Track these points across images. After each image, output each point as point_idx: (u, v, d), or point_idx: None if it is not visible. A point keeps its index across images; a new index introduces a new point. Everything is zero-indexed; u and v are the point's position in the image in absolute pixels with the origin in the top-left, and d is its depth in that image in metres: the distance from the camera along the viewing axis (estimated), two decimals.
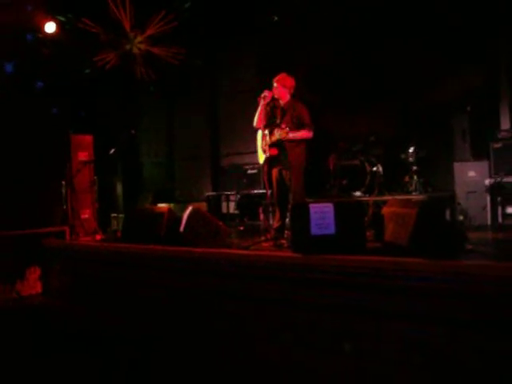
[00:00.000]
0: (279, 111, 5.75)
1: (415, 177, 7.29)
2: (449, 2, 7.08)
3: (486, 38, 7.22)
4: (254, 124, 5.89)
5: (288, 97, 5.75)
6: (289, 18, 8.33)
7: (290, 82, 5.76)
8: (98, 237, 7.09)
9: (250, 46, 9.54)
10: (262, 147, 5.82)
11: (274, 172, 5.74)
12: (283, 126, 5.43)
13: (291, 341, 3.82)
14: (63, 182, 7.39)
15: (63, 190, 7.37)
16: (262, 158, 5.86)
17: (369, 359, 3.48)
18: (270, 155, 5.63)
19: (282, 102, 5.77)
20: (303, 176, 5.68)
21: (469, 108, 7.16)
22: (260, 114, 5.82)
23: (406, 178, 7.46)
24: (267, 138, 5.65)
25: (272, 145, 5.61)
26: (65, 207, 7.35)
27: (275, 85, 5.73)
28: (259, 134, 5.91)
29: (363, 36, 7.91)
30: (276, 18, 7.87)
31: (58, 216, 7.43)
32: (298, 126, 5.51)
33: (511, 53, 7.14)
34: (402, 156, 7.61)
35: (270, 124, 5.71)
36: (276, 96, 5.75)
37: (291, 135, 5.40)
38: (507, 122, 7.16)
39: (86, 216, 7.53)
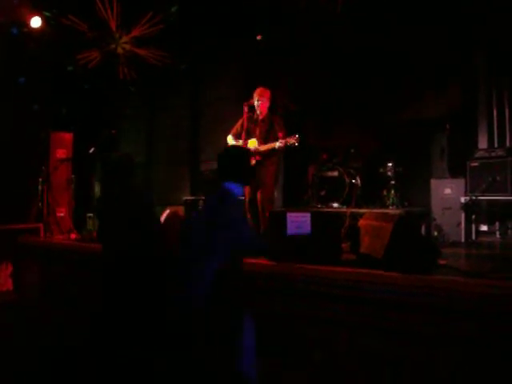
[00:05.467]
0: (260, 123, 5.80)
1: (392, 191, 7.37)
2: (428, 20, 7.17)
3: (464, 58, 7.34)
4: (235, 131, 5.93)
5: (266, 110, 5.82)
6: (275, 33, 8.36)
7: (270, 95, 5.84)
8: (73, 236, 7.01)
9: (236, 55, 9.54)
10: None
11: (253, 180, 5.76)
12: (280, 135, 5.51)
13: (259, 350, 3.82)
14: (40, 179, 7.30)
15: (40, 187, 7.27)
16: None
17: (339, 371, 3.50)
18: (256, 162, 5.67)
19: (260, 115, 5.81)
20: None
21: (448, 126, 7.27)
22: (240, 122, 5.89)
23: (384, 192, 7.53)
24: (255, 146, 5.69)
25: (258, 153, 5.65)
26: (40, 204, 7.25)
27: (258, 98, 5.76)
28: (232, 142, 5.94)
29: (346, 51, 7.98)
30: (260, 38, 7.87)
31: (33, 213, 7.34)
32: (275, 139, 5.57)
33: (489, 73, 7.27)
34: (381, 170, 7.69)
35: (251, 134, 5.77)
36: (257, 108, 5.79)
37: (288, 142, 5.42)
38: (485, 141, 7.27)
39: (62, 214, 7.44)
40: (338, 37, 7.87)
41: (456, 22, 7.07)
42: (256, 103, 5.77)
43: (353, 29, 7.65)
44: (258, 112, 5.82)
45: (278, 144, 5.44)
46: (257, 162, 5.67)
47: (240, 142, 5.82)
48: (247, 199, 5.78)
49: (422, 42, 7.26)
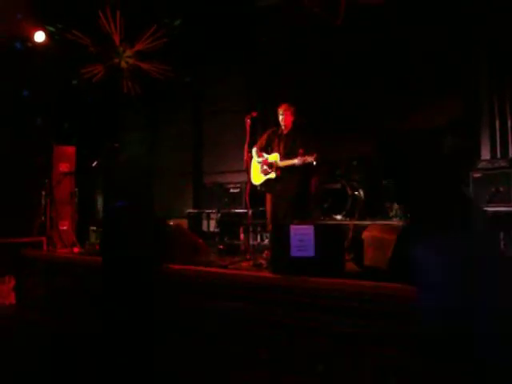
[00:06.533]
0: (284, 138, 5.85)
1: (395, 203, 7.34)
2: (428, 21, 7.18)
3: (465, 68, 7.34)
4: (259, 145, 5.99)
5: (291, 124, 5.88)
6: (277, 44, 8.41)
7: (294, 110, 5.90)
8: (76, 249, 7.00)
9: (239, 66, 9.58)
10: (262, 170, 5.87)
11: (273, 194, 5.82)
12: (300, 151, 5.51)
13: (266, 361, 3.80)
14: (43, 193, 7.31)
15: (43, 201, 7.28)
16: (259, 179, 5.92)
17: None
18: (276, 176, 5.70)
19: (284, 129, 5.87)
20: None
21: (450, 137, 7.26)
22: (265, 136, 6.00)
23: (387, 204, 7.51)
24: (276, 161, 5.73)
25: (278, 168, 5.69)
26: (43, 218, 7.26)
27: (282, 112, 5.84)
28: (256, 155, 5.97)
29: (348, 64, 7.99)
30: (264, 39, 7.93)
31: (36, 226, 7.34)
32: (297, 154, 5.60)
33: (491, 83, 7.26)
34: (384, 181, 7.67)
35: (275, 148, 5.86)
36: (281, 123, 5.86)
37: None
38: (487, 152, 7.26)
39: (65, 228, 7.43)
40: (342, 52, 7.89)
41: (456, 22, 7.09)
42: (280, 117, 5.85)
43: (356, 44, 7.67)
44: (283, 127, 5.89)
45: (296, 160, 5.46)
46: (276, 177, 5.70)
47: (264, 156, 5.87)
48: (269, 217, 5.83)
49: (422, 45, 7.27)
